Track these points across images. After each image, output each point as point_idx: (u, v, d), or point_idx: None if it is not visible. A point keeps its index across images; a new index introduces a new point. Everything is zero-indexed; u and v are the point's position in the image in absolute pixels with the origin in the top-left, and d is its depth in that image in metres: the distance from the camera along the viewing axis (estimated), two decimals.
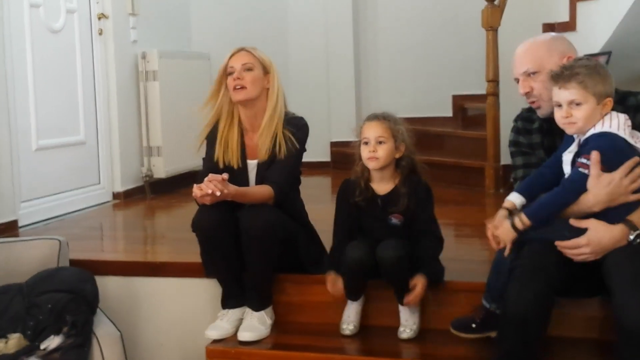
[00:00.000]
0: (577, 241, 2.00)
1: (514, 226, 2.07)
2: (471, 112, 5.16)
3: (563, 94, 2.02)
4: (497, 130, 4.11)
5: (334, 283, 2.44)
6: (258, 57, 2.62)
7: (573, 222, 2.02)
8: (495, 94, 4.10)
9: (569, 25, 4.02)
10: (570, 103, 2.01)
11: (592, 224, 2.00)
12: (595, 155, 1.98)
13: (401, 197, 2.39)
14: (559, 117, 2.05)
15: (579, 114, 2.01)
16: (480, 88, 4.28)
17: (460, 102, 5.32)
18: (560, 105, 2.04)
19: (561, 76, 2.02)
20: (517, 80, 2.23)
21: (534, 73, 2.17)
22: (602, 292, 2.03)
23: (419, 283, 2.35)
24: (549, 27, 4.10)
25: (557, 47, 2.20)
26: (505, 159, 4.04)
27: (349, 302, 2.49)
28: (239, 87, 2.58)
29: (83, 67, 4.14)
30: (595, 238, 1.98)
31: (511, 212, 2.13)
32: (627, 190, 1.99)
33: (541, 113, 2.22)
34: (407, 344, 2.40)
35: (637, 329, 1.84)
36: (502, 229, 2.10)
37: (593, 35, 3.77)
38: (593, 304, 2.33)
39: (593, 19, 3.83)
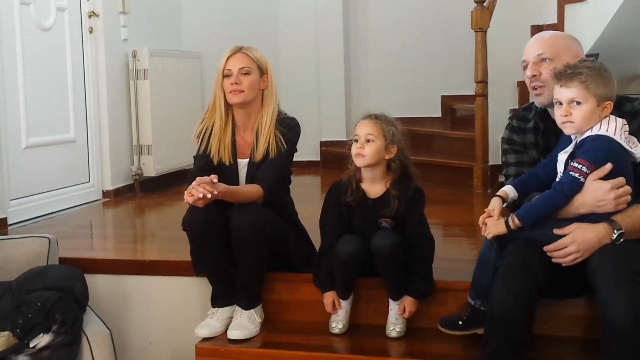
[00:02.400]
0: (563, 241, 2.03)
1: (506, 223, 2.11)
2: (460, 113, 5.19)
3: (564, 92, 2.04)
4: (486, 130, 4.13)
5: (335, 303, 2.49)
6: (255, 59, 2.62)
7: (557, 231, 2.05)
8: (483, 94, 4.13)
9: (557, 27, 4.06)
10: (571, 102, 2.03)
11: (574, 226, 2.04)
12: (608, 166, 2.01)
13: (392, 201, 2.41)
14: (558, 115, 2.07)
15: (578, 113, 2.03)
16: (469, 89, 4.31)
17: (449, 103, 5.35)
18: (560, 104, 2.06)
19: (564, 74, 2.05)
20: (525, 65, 2.24)
21: (547, 59, 2.19)
22: (587, 292, 2.06)
23: (407, 305, 2.42)
24: (537, 29, 4.14)
25: (574, 45, 2.24)
26: (494, 159, 4.07)
27: (340, 301, 2.50)
28: (236, 91, 2.59)
29: (73, 65, 4.13)
30: (579, 236, 2.01)
31: (504, 200, 2.16)
32: (613, 201, 2.02)
33: (539, 101, 2.23)
34: (396, 342, 2.41)
35: (622, 327, 1.87)
36: (494, 222, 2.13)
37: (581, 37, 3.72)
38: (579, 303, 2.35)
39: (581, 21, 3.86)
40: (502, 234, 2.11)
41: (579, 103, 2.03)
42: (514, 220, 2.09)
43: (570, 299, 2.33)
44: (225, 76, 2.61)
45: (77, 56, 4.17)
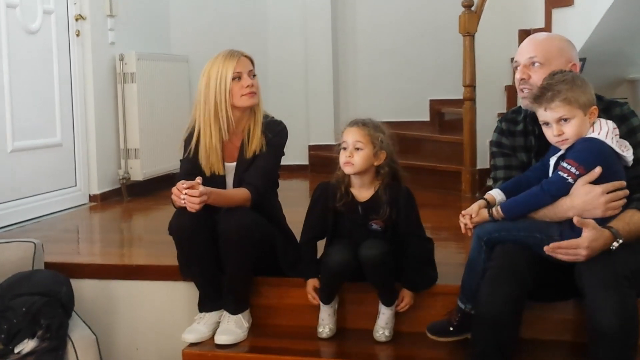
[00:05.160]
0: (578, 242, 1.97)
1: (489, 211, 2.12)
2: (448, 117, 5.20)
3: (550, 114, 2.04)
4: (474, 134, 4.14)
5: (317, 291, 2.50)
6: (254, 62, 2.64)
7: (577, 220, 1.97)
8: (471, 98, 4.14)
9: (545, 32, 4.07)
10: (559, 120, 2.03)
11: (593, 225, 1.98)
12: (597, 170, 2.00)
13: (382, 205, 2.40)
14: (550, 135, 2.06)
15: (570, 129, 2.03)
16: (457, 93, 4.32)
17: (437, 107, 5.35)
18: (547, 124, 2.06)
19: (543, 97, 2.03)
20: (516, 66, 2.23)
21: (537, 64, 2.18)
22: (574, 295, 2.06)
23: (406, 296, 2.44)
24: (524, 33, 4.14)
25: (568, 51, 2.22)
26: (482, 163, 4.08)
27: (322, 305, 2.50)
28: (251, 93, 2.57)
29: (60, 68, 4.11)
30: (592, 242, 1.96)
31: (489, 203, 2.17)
32: (603, 206, 2.01)
33: (525, 104, 2.23)
34: (384, 346, 2.41)
35: (609, 330, 1.88)
36: (477, 204, 2.15)
37: None
38: (567, 307, 2.36)
39: (568, 26, 3.88)
40: (482, 219, 2.13)
41: (567, 120, 2.03)
42: (498, 211, 2.11)
43: (558, 303, 2.33)
44: (233, 78, 2.58)
45: (63, 59, 4.15)
